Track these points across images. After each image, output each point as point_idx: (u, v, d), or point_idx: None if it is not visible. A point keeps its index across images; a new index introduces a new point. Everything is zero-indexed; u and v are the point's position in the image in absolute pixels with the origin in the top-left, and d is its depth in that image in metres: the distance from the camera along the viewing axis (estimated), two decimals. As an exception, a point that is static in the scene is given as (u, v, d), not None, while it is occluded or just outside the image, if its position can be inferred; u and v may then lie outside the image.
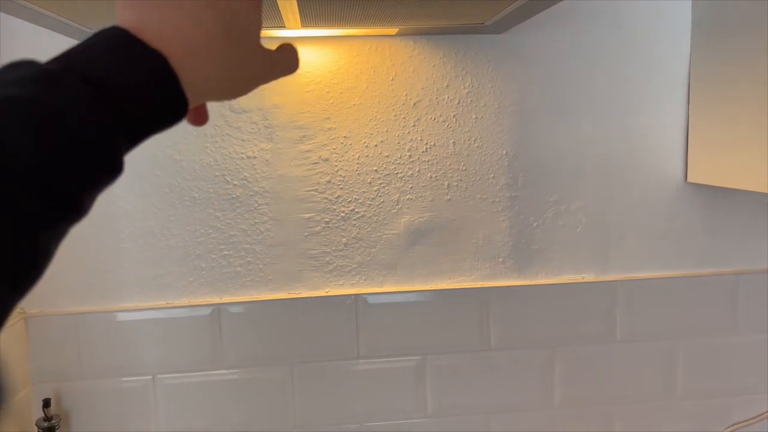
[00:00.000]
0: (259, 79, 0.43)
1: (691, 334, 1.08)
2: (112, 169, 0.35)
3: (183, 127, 0.90)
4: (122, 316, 0.99)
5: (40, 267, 0.32)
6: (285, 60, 0.46)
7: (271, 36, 0.95)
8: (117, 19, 0.38)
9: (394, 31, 0.94)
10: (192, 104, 0.38)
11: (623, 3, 1.01)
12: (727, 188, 0.94)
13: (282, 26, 0.84)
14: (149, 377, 1.00)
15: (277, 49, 0.46)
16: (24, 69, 0.33)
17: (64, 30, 0.85)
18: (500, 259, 1.05)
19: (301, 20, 0.81)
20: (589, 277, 1.06)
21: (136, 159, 0.96)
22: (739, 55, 0.89)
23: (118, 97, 0.34)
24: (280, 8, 0.73)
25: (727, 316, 1.08)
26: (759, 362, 1.09)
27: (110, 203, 0.97)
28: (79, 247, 0.98)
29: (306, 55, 0.98)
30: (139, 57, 0.35)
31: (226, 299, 1.01)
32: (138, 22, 0.36)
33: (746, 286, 1.08)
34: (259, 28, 0.42)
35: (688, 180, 1.04)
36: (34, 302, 0.98)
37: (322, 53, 0.98)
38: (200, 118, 0.46)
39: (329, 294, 1.03)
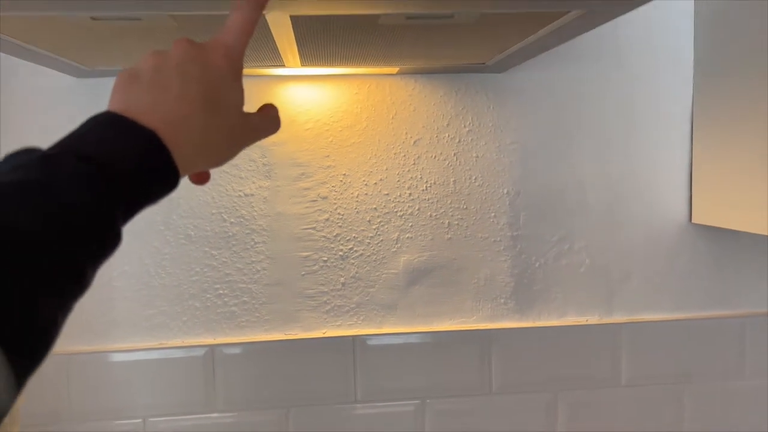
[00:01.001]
0: (242, 143, 0.46)
1: (698, 378, 1.05)
2: (111, 241, 0.37)
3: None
4: (114, 357, 0.97)
5: (50, 338, 0.33)
6: (266, 122, 0.48)
7: (271, 74, 0.95)
8: (108, 104, 0.41)
9: (394, 70, 0.94)
10: (183, 173, 0.41)
11: (624, 43, 1.01)
12: (732, 229, 0.92)
13: (282, 65, 0.84)
14: (140, 420, 0.97)
15: (259, 110, 0.48)
16: (27, 155, 0.36)
17: (62, 68, 0.84)
18: (502, 300, 1.03)
19: (301, 60, 0.80)
20: (592, 319, 1.04)
21: (132, 197, 0.95)
22: (742, 96, 0.88)
23: (114, 171, 0.36)
24: (279, 48, 0.72)
25: (734, 359, 1.05)
26: (766, 407, 1.06)
27: (104, 241, 0.95)
28: (71, 285, 0.95)
29: (305, 93, 0.97)
30: (131, 134, 0.38)
31: (220, 340, 0.99)
32: (125, 104, 0.40)
33: (753, 328, 1.05)
34: (240, 95, 0.45)
35: (693, 221, 1.03)
36: (23, 342, 0.96)
37: (322, 91, 0.97)
38: (202, 178, 0.49)
39: (326, 335, 1.00)
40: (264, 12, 0.55)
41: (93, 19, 0.57)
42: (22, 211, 0.32)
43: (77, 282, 0.35)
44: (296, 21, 0.58)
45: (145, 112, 0.39)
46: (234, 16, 0.45)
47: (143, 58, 0.43)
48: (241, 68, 0.45)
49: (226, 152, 0.45)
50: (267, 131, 0.48)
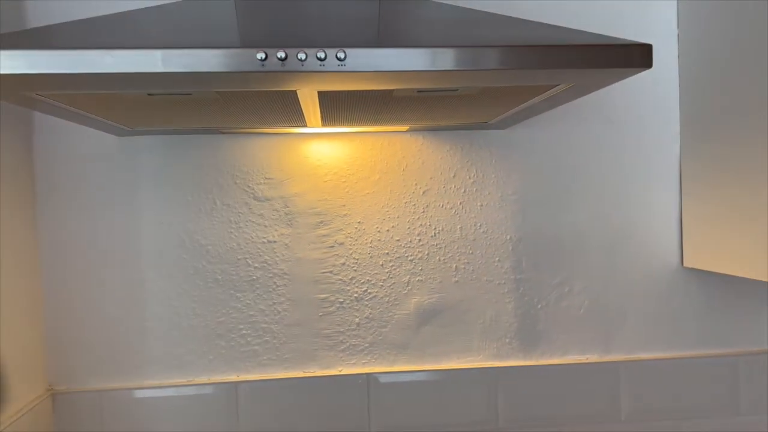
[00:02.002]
0: None
1: (694, 414, 1.10)
2: None
3: (210, 215, 0.97)
4: (144, 393, 1.04)
5: None
6: None
7: (294, 132, 1.04)
8: None
9: (405, 128, 1.03)
10: None
11: (614, 101, 1.10)
12: (722, 273, 0.99)
13: (304, 125, 0.93)
14: (167, 454, 1.04)
15: None
16: None
17: (104, 128, 0.93)
18: (507, 340, 1.09)
19: (322, 121, 0.90)
20: (592, 357, 1.11)
21: (164, 243, 1.03)
22: (726, 147, 0.96)
23: None
24: (303, 111, 0.82)
25: (728, 396, 1.11)
26: (763, 443, 1.11)
27: (138, 285, 1.04)
28: (106, 325, 1.03)
29: (324, 148, 1.06)
30: None
31: (243, 377, 1.06)
32: None
33: (746, 366, 1.11)
34: None
35: (684, 265, 1.10)
36: (61, 379, 1.03)
37: (340, 147, 1.06)
38: None
39: (342, 373, 1.07)
40: (296, 88, 0.64)
41: (149, 95, 0.66)
42: None
43: None
44: (322, 95, 0.68)
45: None
46: None
47: None
48: None
49: None
50: None
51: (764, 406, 1.11)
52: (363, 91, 0.67)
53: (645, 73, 1.09)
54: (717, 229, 0.99)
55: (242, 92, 0.66)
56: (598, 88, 0.70)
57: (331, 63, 0.57)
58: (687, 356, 1.11)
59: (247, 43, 0.57)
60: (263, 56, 0.56)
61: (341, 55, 0.56)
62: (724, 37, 0.96)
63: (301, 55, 0.56)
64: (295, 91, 0.65)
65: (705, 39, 1.02)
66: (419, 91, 0.68)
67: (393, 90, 0.67)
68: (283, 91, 0.65)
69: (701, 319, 1.12)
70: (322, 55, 0.56)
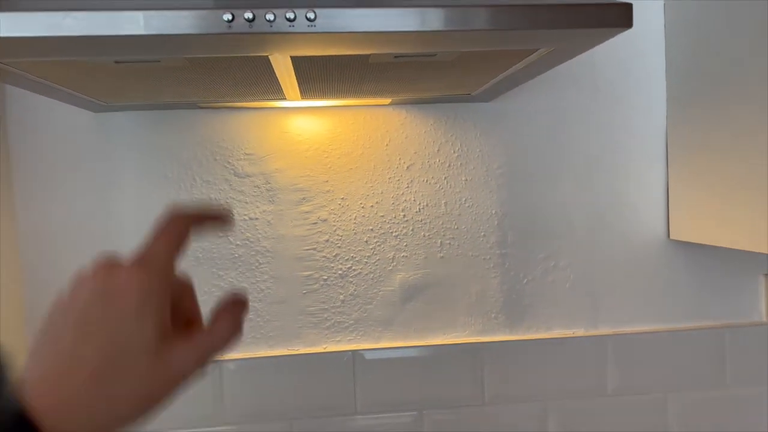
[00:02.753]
0: (165, 390, 0.38)
1: (681, 387, 1.10)
2: None
3: (191, 192, 0.96)
4: (126, 373, 1.02)
5: None
6: (209, 346, 0.40)
7: (274, 107, 1.02)
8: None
9: (387, 101, 1.01)
10: None
11: (600, 72, 1.08)
12: (707, 244, 0.98)
13: (283, 98, 0.91)
14: (151, 434, 1.02)
15: (208, 330, 0.41)
16: None
17: (79, 103, 0.91)
18: (492, 315, 1.09)
19: (301, 93, 0.88)
20: (579, 331, 1.10)
21: (144, 219, 1.02)
22: (713, 116, 0.95)
23: None
24: (281, 85, 0.80)
25: (715, 369, 1.11)
26: (748, 414, 1.11)
27: (118, 263, 1.02)
28: (87, 305, 1.02)
29: (306, 123, 1.04)
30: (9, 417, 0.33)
31: (227, 356, 1.05)
32: (29, 371, 0.36)
33: (732, 339, 1.11)
34: (152, 333, 0.37)
35: (671, 237, 1.09)
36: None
37: (321, 122, 1.05)
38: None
39: (327, 350, 1.06)
40: (267, 53, 0.63)
41: (116, 62, 0.64)
42: None
43: None
44: (296, 61, 0.66)
45: (35, 385, 0.35)
46: (160, 231, 0.42)
47: (51, 306, 0.39)
48: (161, 293, 0.39)
49: (139, 411, 0.37)
50: (209, 356, 0.40)
51: (750, 378, 1.11)
52: (338, 56, 0.65)
53: (631, 43, 1.08)
54: (704, 201, 0.98)
55: (213, 59, 0.64)
56: (577, 53, 0.68)
57: (301, 24, 0.55)
58: (673, 329, 1.11)
59: (214, 4, 0.55)
60: (230, 17, 0.54)
61: (311, 15, 0.54)
62: (712, 5, 0.94)
63: (269, 16, 0.54)
64: (267, 56, 0.63)
65: (693, 6, 1.00)
66: (396, 56, 0.66)
67: (369, 55, 0.65)
68: (254, 57, 0.63)
69: (688, 292, 1.11)
70: (291, 15, 0.54)
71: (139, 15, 0.54)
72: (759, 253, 1.01)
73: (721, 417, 1.11)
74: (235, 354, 1.05)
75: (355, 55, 0.65)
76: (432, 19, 0.57)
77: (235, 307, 0.43)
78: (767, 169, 0.82)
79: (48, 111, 1.01)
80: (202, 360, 0.39)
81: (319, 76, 0.75)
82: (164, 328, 0.38)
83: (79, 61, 0.64)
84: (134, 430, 0.37)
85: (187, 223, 0.43)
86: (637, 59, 1.09)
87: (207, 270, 1.04)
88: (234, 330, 0.41)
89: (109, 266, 0.39)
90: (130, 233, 1.02)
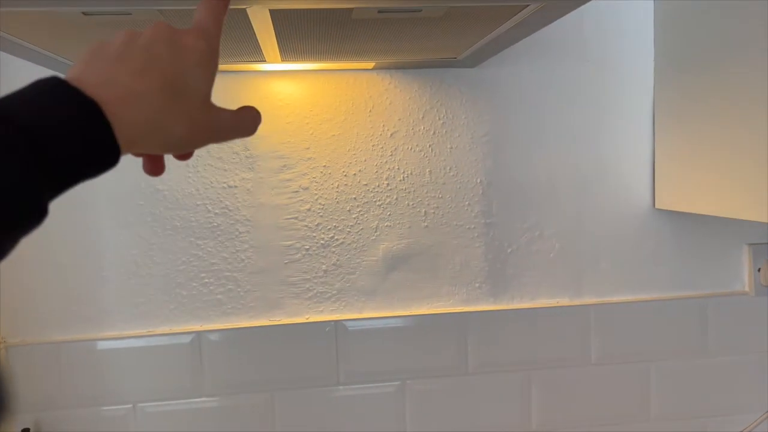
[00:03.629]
0: (206, 135, 0.44)
1: (664, 357, 1.10)
2: (33, 216, 0.34)
3: (165, 158, 0.93)
4: (103, 345, 1.00)
5: None
6: (237, 122, 0.46)
7: (254, 70, 0.99)
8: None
9: (370, 65, 0.98)
10: (126, 151, 0.38)
11: (588, 38, 1.06)
12: (694, 213, 0.98)
13: (263, 60, 0.88)
14: (130, 406, 1.01)
15: (238, 110, 0.46)
16: None
17: (56, 66, 0.87)
18: (476, 284, 1.08)
19: (281, 55, 0.85)
20: (563, 301, 1.09)
21: (119, 189, 0.98)
22: (700, 86, 0.94)
23: (45, 143, 0.33)
24: (260, 43, 0.76)
25: (697, 338, 1.11)
26: (730, 383, 1.12)
27: (92, 232, 0.99)
28: (61, 275, 0.99)
29: (286, 87, 1.01)
30: (71, 102, 0.36)
31: (206, 327, 1.03)
32: (80, 74, 0.38)
33: (715, 308, 1.11)
34: (207, 86, 0.43)
35: (656, 206, 1.08)
36: (14, 331, 0.99)
37: (302, 86, 1.01)
38: (156, 168, 0.47)
39: (309, 321, 1.04)
40: (245, 6, 0.59)
41: (84, 14, 0.60)
42: None
43: None
44: (275, 15, 0.63)
45: (96, 84, 0.37)
46: (203, 6, 0.46)
47: (117, 33, 0.42)
48: (216, 54, 0.44)
49: (183, 141, 0.42)
50: (237, 131, 0.46)
51: (732, 348, 1.11)
52: (320, 10, 0.62)
53: (620, 10, 1.06)
54: (689, 170, 0.97)
55: (186, 12, 0.60)
56: (570, 9, 0.66)
57: (280, -28, 0.52)
58: (657, 299, 1.11)
59: (187, -51, 0.52)
60: (204, -37, 0.51)
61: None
62: (700, -33, 0.92)
63: (246, -38, 0.51)
64: (245, 9, 0.60)
65: (681, -29, 0.98)
66: (380, 11, 0.63)
67: (352, 10, 0.62)
68: (231, 9, 0.60)
69: (672, 262, 1.11)
70: (269, -38, 0.51)
71: (107, -40, 0.51)
72: (744, 222, 1.00)
73: (703, 386, 1.11)
74: (213, 325, 1.03)
75: (337, 9, 0.62)
76: (418, -29, 0.54)
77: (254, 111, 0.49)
78: (755, 137, 0.81)
79: (22, 78, 0.96)
80: (235, 127, 0.46)
81: (300, 33, 0.72)
82: (210, 92, 0.44)
83: (46, 13, 0.60)
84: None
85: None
86: (625, 28, 1.07)
87: (184, 239, 1.01)
88: (257, 118, 0.49)
89: (173, 28, 0.43)
90: (103, 200, 0.99)
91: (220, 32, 0.45)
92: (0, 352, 0.96)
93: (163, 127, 0.40)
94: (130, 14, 0.61)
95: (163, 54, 0.41)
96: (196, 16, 0.46)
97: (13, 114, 0.34)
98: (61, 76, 0.38)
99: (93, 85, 0.37)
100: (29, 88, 0.36)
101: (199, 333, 1.02)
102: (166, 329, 1.02)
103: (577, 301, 1.09)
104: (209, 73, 0.43)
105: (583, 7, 0.65)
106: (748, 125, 0.82)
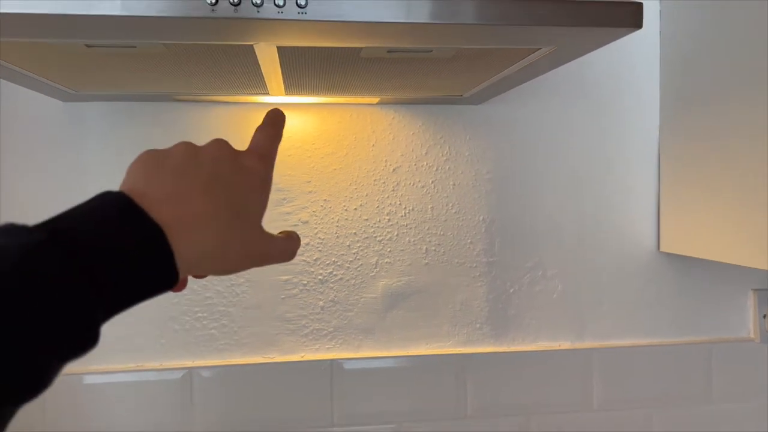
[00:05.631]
0: (255, 259, 0.43)
1: (667, 403, 1.08)
2: (85, 344, 0.33)
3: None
4: (91, 379, 0.96)
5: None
6: (285, 246, 0.46)
7: (256, 102, 0.98)
8: (124, 181, 0.39)
9: (375, 100, 0.97)
10: (183, 275, 0.37)
11: (595, 78, 1.06)
12: (698, 258, 0.96)
13: (266, 93, 0.87)
14: (115, 444, 0.97)
15: (281, 234, 0.47)
16: (13, 237, 0.32)
17: (49, 91, 0.86)
18: (477, 325, 1.05)
19: (285, 89, 0.83)
20: (565, 344, 1.07)
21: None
22: (706, 129, 0.93)
23: (106, 273, 0.33)
24: (265, 77, 0.75)
25: (701, 384, 1.09)
26: (733, 430, 1.09)
27: (85, 263, 0.96)
28: (50, 306, 0.95)
29: (289, 120, 0.99)
30: (136, 229, 0.34)
31: (198, 363, 0.99)
32: (144, 187, 0.37)
33: (720, 355, 1.09)
34: (263, 210, 0.43)
35: (661, 249, 1.07)
36: (-1, 364, 0.95)
37: (304, 119, 1.00)
38: (181, 285, 0.45)
39: (304, 359, 1.01)
40: (252, 42, 0.58)
41: (87, 46, 0.59)
42: None
43: (43, 382, 0.32)
44: (283, 52, 0.61)
45: (162, 202, 0.36)
46: (261, 133, 0.46)
47: (175, 145, 0.41)
48: (270, 180, 0.44)
49: (234, 264, 0.41)
50: (283, 257, 0.45)
51: (737, 395, 1.09)
52: (328, 48, 0.60)
53: (626, 51, 1.05)
54: (695, 213, 0.96)
55: (193, 46, 0.59)
56: (581, 53, 0.65)
57: (291, 10, 0.50)
58: (661, 344, 1.08)
59: (196, -15, 0.50)
60: (213, 0, 0.49)
61: (302, 1, 0.50)
62: (706, 16, 0.92)
63: (257, 0, 0.49)
64: (252, 45, 0.59)
65: (687, 18, 0.98)
66: (390, 51, 0.62)
67: (361, 49, 0.61)
68: (238, 45, 0.59)
69: (676, 306, 1.09)
70: (280, 1, 0.50)
71: (111, -7, 0.49)
72: (749, 267, 0.99)
73: (706, 434, 1.09)
74: (206, 361, 0.99)
75: (346, 48, 0.60)
76: (429, 11, 0.53)
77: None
78: (762, 182, 0.79)
79: (14, 98, 0.94)
80: (283, 252, 0.46)
81: (307, 70, 0.70)
82: (262, 217, 0.44)
83: (49, 44, 0.59)
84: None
85: (282, 123, 0.49)
86: (630, 66, 1.06)
87: (180, 272, 0.98)
88: (299, 244, 0.48)
89: (234, 149, 0.43)
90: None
91: (275, 159, 0.46)
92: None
93: (221, 251, 0.39)
94: (135, 47, 0.60)
95: (226, 174, 0.40)
96: (253, 141, 0.46)
97: (73, 232, 0.33)
98: (120, 191, 0.37)
99: (157, 202, 0.36)
100: (95, 206, 0.35)
101: (190, 369, 0.98)
102: (156, 364, 0.99)
103: (579, 345, 1.07)
104: (265, 198, 0.44)
105: (595, 51, 0.64)
106: (754, 170, 0.81)
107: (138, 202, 0.35)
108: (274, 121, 0.48)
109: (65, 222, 0.34)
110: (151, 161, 0.40)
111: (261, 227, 0.43)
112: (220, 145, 0.42)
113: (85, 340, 0.33)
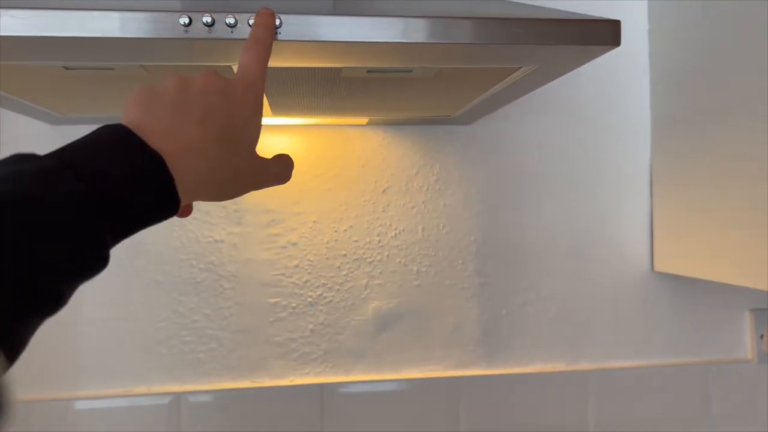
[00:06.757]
0: (249, 184, 0.46)
1: (663, 425, 1.05)
2: (96, 265, 0.35)
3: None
4: (77, 405, 0.95)
5: (13, 356, 0.33)
6: (278, 169, 0.48)
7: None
8: (122, 115, 0.41)
9: (364, 121, 0.97)
10: (184, 203, 0.40)
11: (586, 96, 1.05)
12: (693, 277, 0.95)
13: (252, 115, 0.86)
14: (100, 471, 0.95)
15: (273, 158, 0.48)
16: (23, 164, 0.35)
17: (36, 115, 0.86)
18: (470, 348, 1.03)
19: (271, 109, 0.83)
20: (559, 366, 1.05)
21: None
22: (698, 146, 0.92)
23: (112, 195, 0.35)
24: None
25: (698, 406, 1.06)
26: (734, 456, 1.07)
27: (72, 286, 0.95)
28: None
29: (277, 141, 0.99)
30: (137, 156, 0.37)
31: (186, 387, 0.98)
32: (142, 120, 0.39)
33: (717, 376, 1.07)
34: (256, 136, 0.45)
35: (655, 269, 1.05)
36: (-17, 389, 0.94)
37: (293, 141, 1.00)
38: (186, 211, 0.47)
39: (294, 383, 1.00)
40: (230, 63, 0.58)
41: (65, 68, 0.59)
42: (8, 226, 0.31)
43: (55, 302, 0.34)
44: (262, 73, 0.61)
45: (160, 133, 0.38)
46: (248, 55, 0.46)
47: (166, 78, 0.43)
48: (261, 106, 0.45)
49: (230, 190, 0.44)
50: (279, 178, 0.48)
51: (735, 417, 1.07)
52: (307, 69, 0.60)
53: (616, 69, 1.05)
54: (690, 233, 0.95)
55: (171, 67, 0.59)
56: (563, 72, 0.64)
57: (265, 31, 0.50)
58: (656, 365, 1.06)
59: (170, 6, 0.50)
60: (187, 21, 0.49)
61: (276, 21, 0.50)
62: (696, 34, 0.92)
63: (230, 20, 0.49)
64: (230, 66, 0.58)
65: (677, 36, 0.98)
66: (369, 71, 0.62)
67: (341, 69, 0.61)
68: (216, 66, 0.58)
69: (671, 327, 1.07)
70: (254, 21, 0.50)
71: (87, 15, 0.49)
72: (745, 287, 0.97)
73: (705, 458, 1.06)
74: (194, 386, 0.98)
75: (325, 68, 0.60)
76: (405, 30, 0.52)
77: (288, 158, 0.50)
78: (756, 200, 0.78)
79: (3, 122, 0.94)
80: (277, 174, 0.48)
81: (290, 90, 0.70)
82: (257, 142, 0.46)
83: (28, 67, 0.58)
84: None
85: (271, 32, 0.48)
86: (621, 87, 1.06)
87: (166, 294, 0.97)
88: (292, 164, 0.50)
89: (223, 78, 0.44)
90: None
91: (264, 82, 0.46)
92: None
93: (217, 178, 0.42)
94: (113, 69, 0.59)
95: (217, 105, 0.42)
96: (241, 61, 0.46)
97: (79, 162, 0.35)
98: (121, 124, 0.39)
99: (155, 134, 0.38)
100: (99, 138, 0.37)
101: (178, 394, 0.97)
102: (144, 389, 0.97)
103: (573, 367, 1.05)
104: (257, 124, 0.45)
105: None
106: (750, 189, 0.80)
107: (137, 133, 0.38)
108: (263, 33, 0.47)
109: (70, 152, 0.36)
110: (145, 96, 0.41)
111: (254, 153, 0.45)
112: (209, 76, 0.43)
113: (95, 261, 0.35)
